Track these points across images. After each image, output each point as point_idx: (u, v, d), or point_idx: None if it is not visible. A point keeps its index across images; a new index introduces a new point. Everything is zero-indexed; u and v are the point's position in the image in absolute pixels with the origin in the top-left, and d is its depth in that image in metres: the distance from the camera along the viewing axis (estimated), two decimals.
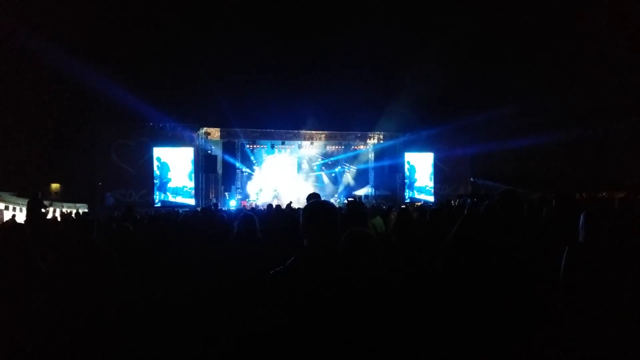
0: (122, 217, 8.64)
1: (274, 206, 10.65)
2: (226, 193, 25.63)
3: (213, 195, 24.77)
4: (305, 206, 2.45)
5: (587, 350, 2.94)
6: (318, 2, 27.61)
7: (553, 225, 4.24)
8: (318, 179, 28.95)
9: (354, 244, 2.55)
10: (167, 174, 23.26)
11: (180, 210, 15.59)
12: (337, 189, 28.62)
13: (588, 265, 3.04)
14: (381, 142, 27.14)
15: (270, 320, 2.12)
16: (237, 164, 25.92)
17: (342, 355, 2.03)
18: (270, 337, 2.10)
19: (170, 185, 23.33)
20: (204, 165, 24.16)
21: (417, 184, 26.50)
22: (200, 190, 23.94)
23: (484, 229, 3.57)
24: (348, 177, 29.11)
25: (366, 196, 26.30)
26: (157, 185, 23.18)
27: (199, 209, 16.50)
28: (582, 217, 3.22)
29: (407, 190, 26.35)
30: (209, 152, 24.57)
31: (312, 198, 5.50)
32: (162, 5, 25.41)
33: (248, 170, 27.19)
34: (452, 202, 17.58)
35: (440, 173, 26.63)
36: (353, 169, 28.87)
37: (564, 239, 3.33)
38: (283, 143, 26.27)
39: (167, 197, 23.20)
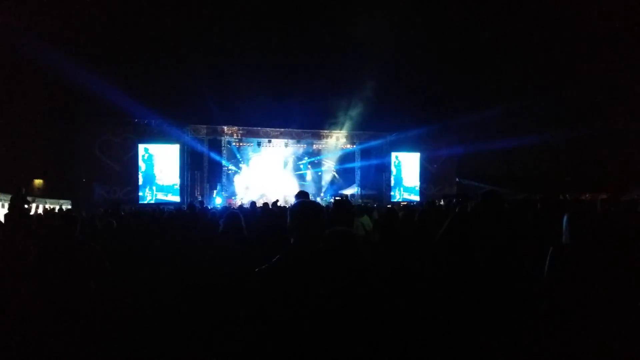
0: (106, 213, 8.55)
1: (260, 204, 10.60)
2: (212, 191, 25.53)
3: (199, 193, 24.64)
4: (292, 206, 2.51)
5: (570, 349, 2.97)
6: (305, 1, 27.53)
7: (537, 226, 4.28)
8: (304, 178, 28.90)
9: (336, 243, 2.56)
10: (152, 168, 23.07)
11: (165, 208, 15.49)
12: (323, 188, 28.63)
13: (571, 265, 3.07)
14: (368, 141, 27.16)
15: (255, 318, 2.12)
16: (223, 162, 25.78)
17: (326, 352, 2.04)
18: (254, 334, 2.11)
19: (159, 182, 23.15)
20: (189, 163, 24.03)
21: (403, 184, 26.59)
22: (186, 187, 23.80)
23: (469, 230, 3.61)
24: (334, 176, 29.12)
25: (352, 195, 26.35)
26: (144, 179, 22.97)
27: (184, 206, 16.39)
28: (565, 218, 3.25)
29: (394, 190, 26.42)
30: (195, 149, 24.43)
31: (301, 196, 5.50)
32: (148, 3, 25.18)
33: (234, 168, 27.06)
34: (437, 202, 17.68)
35: (426, 173, 26.77)
36: (339, 168, 28.88)
37: (547, 240, 3.36)
38: (269, 141, 26.19)
39: (155, 194, 23.02)
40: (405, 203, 23.23)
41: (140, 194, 22.81)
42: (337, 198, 16.15)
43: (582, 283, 3.01)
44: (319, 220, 2.35)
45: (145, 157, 23.02)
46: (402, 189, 26.52)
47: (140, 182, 22.90)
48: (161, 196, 22.97)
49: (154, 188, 23.04)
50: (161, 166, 23.18)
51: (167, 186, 23.19)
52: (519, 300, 3.28)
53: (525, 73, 27.39)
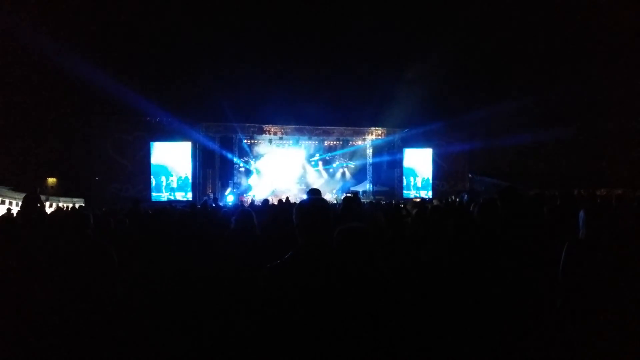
0: (123, 211, 8.57)
1: (271, 201, 10.60)
2: (224, 188, 25.63)
3: (210, 190, 24.74)
4: (298, 204, 2.47)
5: (587, 346, 2.93)
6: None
7: (554, 222, 4.23)
8: (316, 175, 28.90)
9: (347, 240, 2.54)
10: (168, 176, 23.30)
11: (178, 206, 15.54)
12: (335, 184, 28.60)
13: (588, 261, 3.03)
14: (379, 137, 27.08)
15: (264, 315, 2.11)
16: (235, 159, 25.89)
17: (336, 349, 2.02)
18: (264, 331, 2.10)
19: (171, 180, 23.32)
20: (201, 160, 24.14)
21: (416, 180, 26.50)
22: (198, 185, 23.93)
23: (481, 227, 3.56)
24: (346, 173, 29.10)
25: (364, 192, 26.30)
26: (157, 184, 23.15)
27: (198, 205, 16.46)
28: (581, 213, 3.20)
29: (410, 188, 26.35)
30: (207, 147, 24.54)
31: (312, 194, 5.48)
32: (161, 3, 25.31)
33: (245, 165, 27.15)
34: (450, 198, 17.60)
35: (438, 169, 26.65)
36: (351, 164, 28.86)
37: (563, 236, 3.31)
38: (281, 138, 26.20)
39: (168, 193, 23.19)
40: (418, 199, 23.16)
41: (155, 193, 22.97)
42: (347, 195, 16.14)
43: (598, 279, 2.96)
44: (324, 217, 2.32)
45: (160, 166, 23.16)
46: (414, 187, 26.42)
47: (155, 183, 23.08)
48: (171, 194, 23.15)
49: (166, 189, 23.22)
50: (174, 164, 23.35)
51: (178, 184, 23.34)
52: (535, 296, 3.23)
53: (539, 68, 27.16)
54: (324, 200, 2.51)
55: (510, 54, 27.03)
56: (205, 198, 20.61)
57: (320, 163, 29.07)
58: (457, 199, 14.18)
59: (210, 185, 25.17)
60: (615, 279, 2.93)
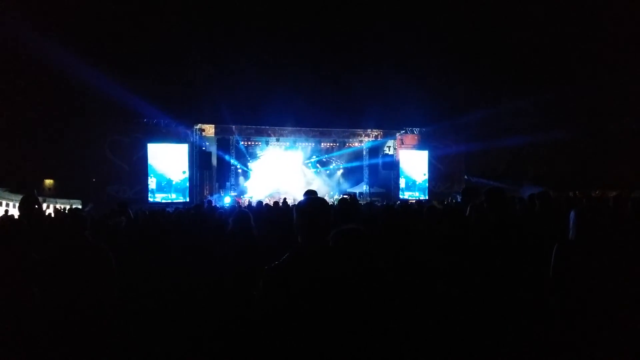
0: (114, 213, 8.54)
1: (269, 203, 10.59)
2: (221, 190, 25.60)
3: (207, 192, 24.72)
4: (298, 203, 2.47)
5: (578, 346, 2.96)
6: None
7: (539, 223, 4.26)
8: (312, 176, 28.88)
9: (344, 241, 2.56)
10: (164, 178, 23.28)
11: (173, 209, 15.53)
12: (332, 186, 28.57)
13: (576, 262, 3.05)
14: (376, 139, 27.14)
15: (265, 315, 2.13)
16: (232, 161, 25.84)
17: (335, 347, 2.05)
18: (264, 331, 2.11)
19: (167, 182, 23.28)
20: (198, 162, 24.10)
21: (412, 182, 26.54)
22: (195, 187, 23.89)
23: (471, 227, 3.60)
24: (342, 175, 29.08)
25: (360, 193, 26.31)
26: (154, 185, 23.14)
27: (192, 206, 16.45)
28: (572, 214, 3.22)
29: (406, 190, 26.39)
30: (204, 148, 24.52)
31: (309, 194, 5.48)
32: (157, 1, 25.28)
33: (243, 167, 27.13)
34: (446, 201, 17.68)
35: (434, 171, 26.69)
36: (347, 166, 28.85)
37: (552, 236, 3.34)
38: (278, 140, 26.21)
39: (165, 195, 23.17)
40: (413, 200, 23.19)
41: (150, 194, 22.93)
42: (343, 196, 16.15)
43: (587, 280, 2.99)
44: (324, 217, 2.32)
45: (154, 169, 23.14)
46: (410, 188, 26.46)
47: (149, 185, 23.04)
48: (167, 195, 23.13)
49: (162, 190, 23.20)
50: (169, 166, 23.32)
51: (173, 185, 23.32)
52: (525, 297, 3.27)
53: (536, 70, 27.22)
54: (324, 200, 2.51)
55: (508, 56, 27.08)
56: (201, 200, 20.56)
57: (317, 165, 29.04)
58: (452, 200, 14.26)
59: (208, 187, 25.14)
60: (606, 279, 2.96)
